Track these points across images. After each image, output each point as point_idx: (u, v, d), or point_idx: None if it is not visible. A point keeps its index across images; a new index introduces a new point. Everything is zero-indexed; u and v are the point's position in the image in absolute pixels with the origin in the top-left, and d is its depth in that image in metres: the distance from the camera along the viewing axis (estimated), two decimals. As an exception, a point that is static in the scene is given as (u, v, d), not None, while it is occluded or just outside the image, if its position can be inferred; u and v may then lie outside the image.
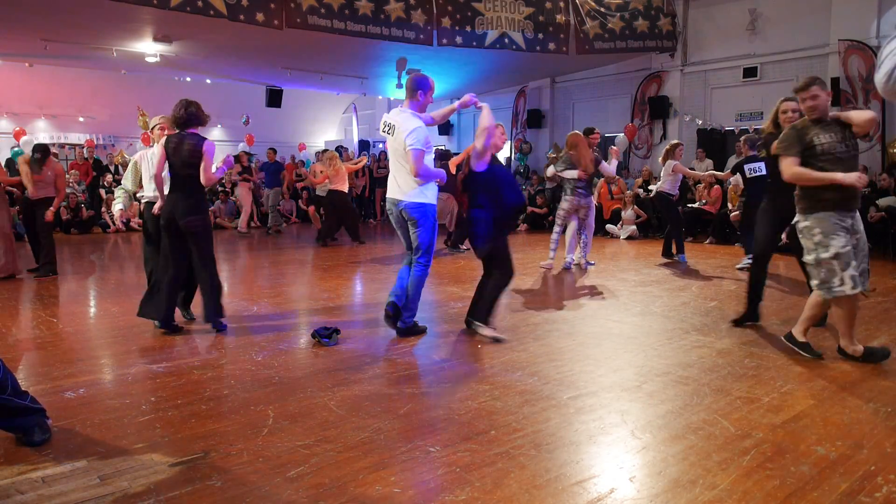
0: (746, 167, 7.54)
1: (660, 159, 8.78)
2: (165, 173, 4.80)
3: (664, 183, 8.52)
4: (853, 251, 3.78)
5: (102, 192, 13.41)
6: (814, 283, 3.94)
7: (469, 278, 7.26)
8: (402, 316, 4.64)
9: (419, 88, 4.48)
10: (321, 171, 11.01)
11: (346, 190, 10.70)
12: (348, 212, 10.86)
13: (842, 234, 3.76)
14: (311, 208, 11.58)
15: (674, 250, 8.56)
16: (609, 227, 11.94)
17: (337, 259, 9.07)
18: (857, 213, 3.89)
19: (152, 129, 5.18)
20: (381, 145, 18.42)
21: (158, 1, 8.26)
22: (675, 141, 8.80)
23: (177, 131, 4.70)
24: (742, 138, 8.60)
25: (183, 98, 4.74)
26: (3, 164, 10.90)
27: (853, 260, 3.76)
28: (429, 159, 4.47)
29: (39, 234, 7.51)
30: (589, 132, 7.77)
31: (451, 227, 9.51)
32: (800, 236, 4.00)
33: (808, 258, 3.90)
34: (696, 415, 3.10)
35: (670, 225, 8.80)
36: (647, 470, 2.54)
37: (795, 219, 4.06)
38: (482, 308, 4.69)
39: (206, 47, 11.88)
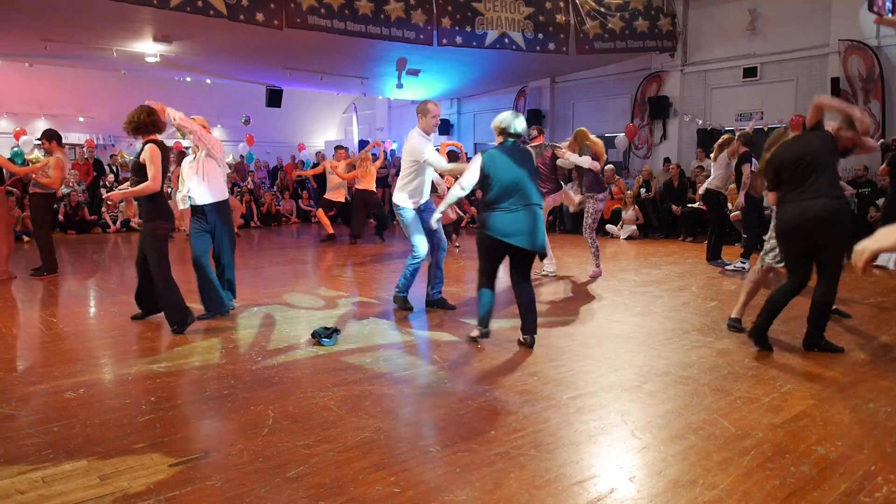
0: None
1: (711, 155, 8.36)
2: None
3: (715, 179, 8.08)
4: None
5: (103, 191, 13.41)
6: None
7: (469, 279, 7.26)
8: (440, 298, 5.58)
9: (417, 113, 5.37)
10: (353, 168, 11.10)
11: (374, 189, 10.94)
12: (380, 209, 11.28)
13: None
14: (321, 211, 11.51)
15: (722, 255, 8.20)
16: (609, 227, 11.94)
17: (337, 259, 9.07)
18: None
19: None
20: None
21: (158, 1, 8.27)
22: (727, 135, 8.43)
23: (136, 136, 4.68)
24: (738, 135, 8.13)
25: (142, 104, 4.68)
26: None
27: None
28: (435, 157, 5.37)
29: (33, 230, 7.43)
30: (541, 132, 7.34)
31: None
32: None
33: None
34: (696, 415, 3.10)
35: (715, 225, 8.37)
36: (647, 470, 2.54)
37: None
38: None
39: (206, 47, 11.89)
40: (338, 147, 11.64)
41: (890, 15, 1.77)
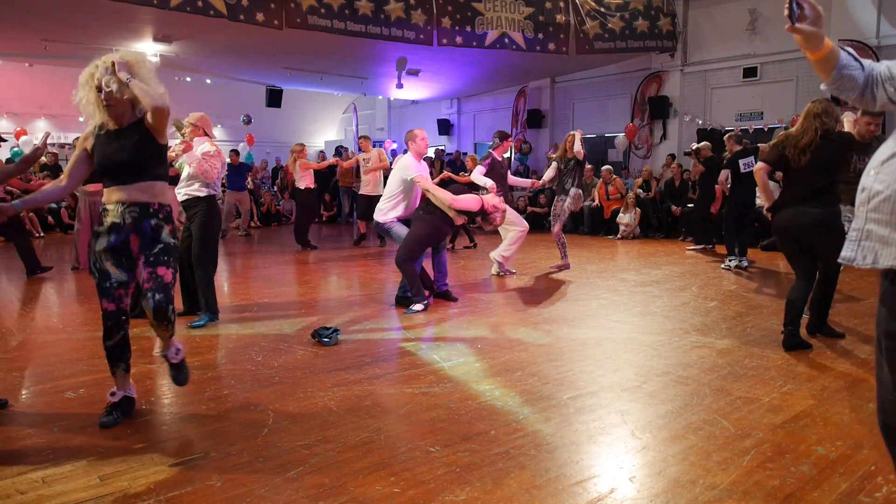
0: (741, 161, 7.58)
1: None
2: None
3: None
4: None
5: (102, 192, 13.38)
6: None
7: (470, 278, 7.26)
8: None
9: (407, 142, 5.91)
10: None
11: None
12: None
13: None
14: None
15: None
16: (619, 219, 11.93)
17: (337, 259, 9.07)
18: None
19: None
20: (379, 145, 18.45)
21: (158, 1, 8.26)
22: (705, 143, 9.07)
23: None
24: (726, 136, 8.77)
25: None
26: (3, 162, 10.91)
27: None
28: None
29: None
30: (504, 137, 7.37)
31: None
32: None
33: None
34: (696, 415, 3.10)
35: None
36: (647, 470, 2.54)
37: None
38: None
39: (206, 47, 11.88)
40: (341, 149, 11.41)
41: (797, 24, 1.76)
